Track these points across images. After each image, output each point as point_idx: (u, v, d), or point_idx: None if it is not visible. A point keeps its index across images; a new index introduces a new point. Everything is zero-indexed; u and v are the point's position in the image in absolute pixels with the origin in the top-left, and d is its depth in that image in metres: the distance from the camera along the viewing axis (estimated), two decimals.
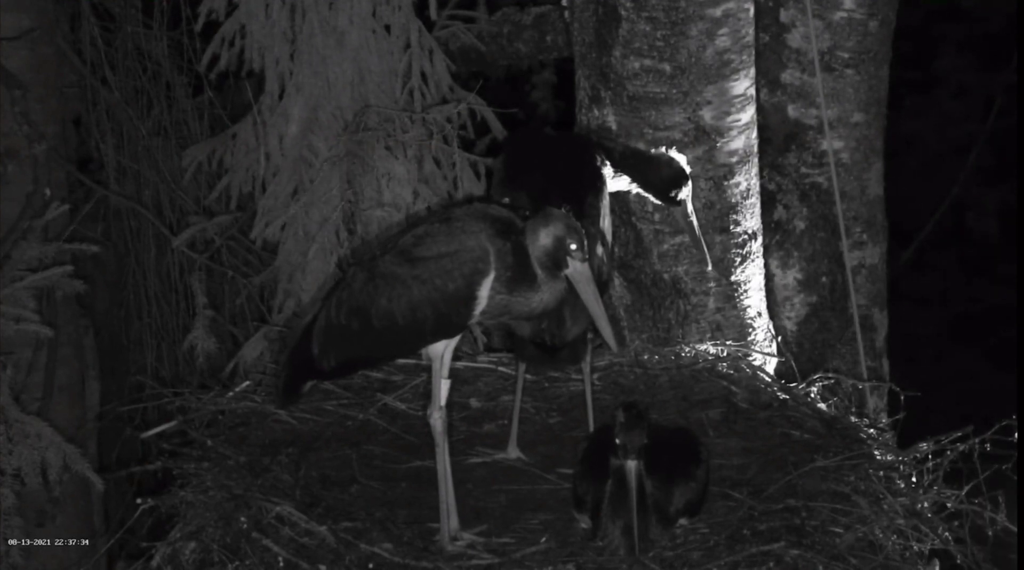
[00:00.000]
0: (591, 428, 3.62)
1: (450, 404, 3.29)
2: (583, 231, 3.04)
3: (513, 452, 3.68)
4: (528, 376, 3.89)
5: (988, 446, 3.39)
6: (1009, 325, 7.53)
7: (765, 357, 4.21)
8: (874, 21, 4.37)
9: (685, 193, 3.86)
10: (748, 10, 4.10)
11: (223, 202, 4.98)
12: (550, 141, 3.99)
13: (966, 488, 3.31)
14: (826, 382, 4.00)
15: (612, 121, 4.13)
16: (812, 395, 3.95)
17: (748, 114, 4.16)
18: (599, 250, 3.56)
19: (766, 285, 4.35)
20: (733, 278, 4.19)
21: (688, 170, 3.85)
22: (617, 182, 3.85)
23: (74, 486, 4.63)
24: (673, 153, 3.85)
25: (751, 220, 4.22)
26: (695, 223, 3.93)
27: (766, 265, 4.37)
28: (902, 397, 3.90)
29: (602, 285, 3.58)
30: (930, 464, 3.41)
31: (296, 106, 4.66)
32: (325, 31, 4.59)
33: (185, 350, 5.16)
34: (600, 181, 3.74)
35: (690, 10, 3.98)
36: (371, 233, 4.45)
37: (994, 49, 8.12)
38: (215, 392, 3.90)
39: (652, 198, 3.92)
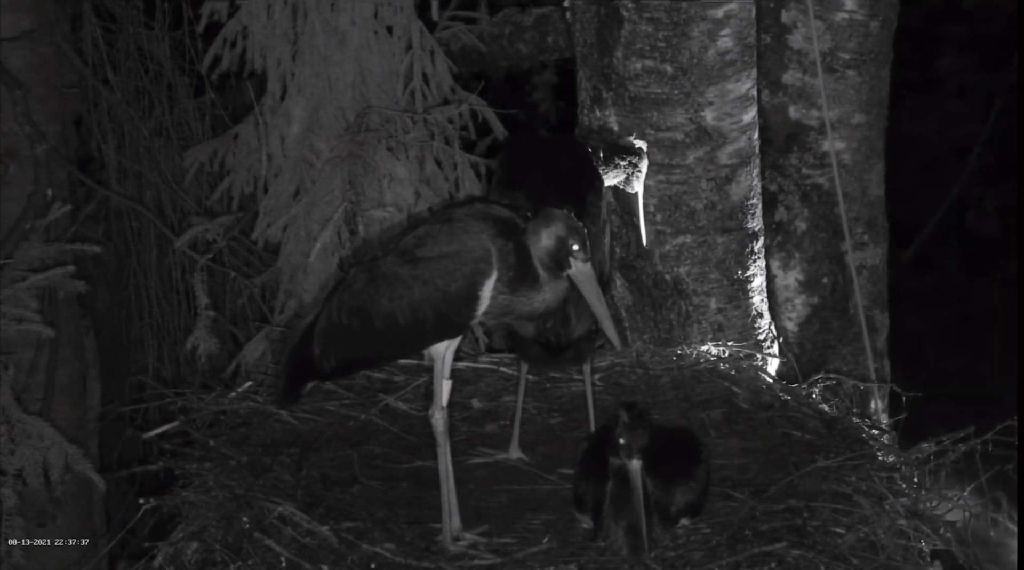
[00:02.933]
0: (592, 428, 3.63)
1: (452, 404, 3.29)
2: (585, 231, 3.04)
3: (515, 452, 3.68)
4: (530, 377, 3.90)
5: (989, 447, 3.40)
6: (1010, 325, 7.52)
7: (766, 358, 4.22)
8: (875, 22, 4.37)
9: (642, 165, 3.91)
10: (750, 11, 4.11)
11: (225, 203, 4.98)
12: (547, 142, 4.00)
13: (968, 489, 3.31)
14: (827, 383, 4.01)
15: (614, 122, 4.13)
16: (813, 396, 3.95)
17: (749, 115, 4.16)
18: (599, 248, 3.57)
19: (767, 286, 4.35)
20: (735, 279, 4.20)
21: (645, 150, 3.94)
22: (607, 178, 3.87)
23: (76, 486, 4.62)
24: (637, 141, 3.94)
25: (753, 221, 4.23)
26: (640, 202, 3.98)
27: (767, 266, 4.38)
28: (903, 398, 3.90)
29: (603, 284, 3.58)
30: (932, 465, 3.42)
31: (298, 107, 4.67)
32: (327, 32, 4.59)
33: (187, 350, 5.15)
34: (600, 181, 3.75)
35: (692, 11, 3.99)
36: (372, 234, 4.46)
37: (995, 49, 8.11)
38: (217, 392, 3.91)
39: (628, 186, 3.96)
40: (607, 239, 3.68)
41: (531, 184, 3.57)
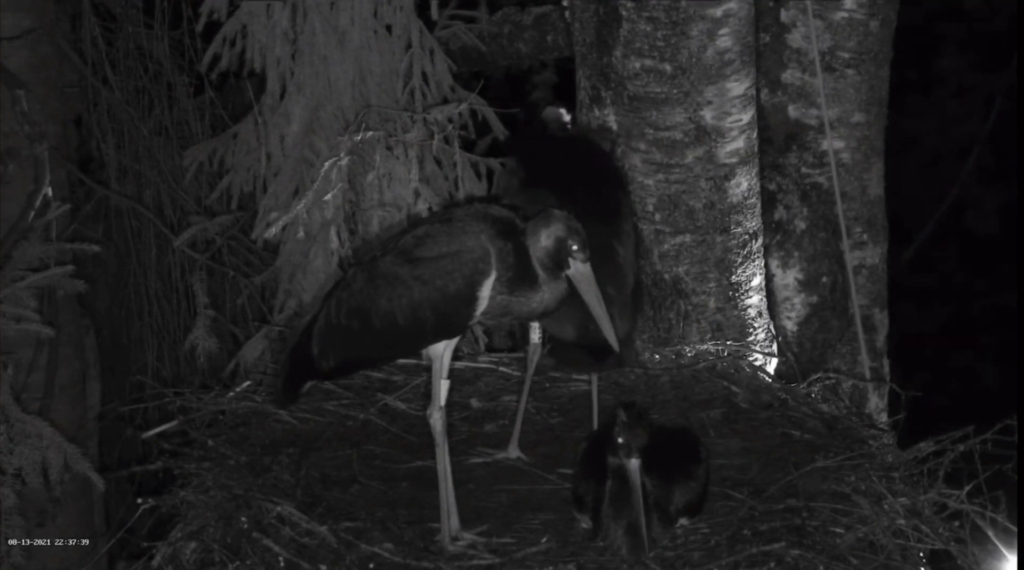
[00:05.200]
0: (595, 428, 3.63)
1: (450, 404, 3.29)
2: (584, 232, 3.04)
3: (514, 452, 3.68)
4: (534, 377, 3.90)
5: (988, 446, 3.40)
6: (1009, 325, 7.52)
7: (766, 357, 4.22)
8: (875, 21, 4.37)
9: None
10: (749, 10, 4.10)
11: (224, 202, 4.98)
12: (565, 141, 4.01)
13: (967, 488, 3.31)
14: (827, 382, 4.01)
15: (613, 121, 4.13)
16: (813, 395, 3.95)
17: (749, 114, 4.16)
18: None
19: (766, 285, 4.35)
20: (734, 278, 4.19)
21: (568, 119, 3.97)
22: None
23: (75, 486, 4.62)
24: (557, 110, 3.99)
25: (752, 220, 4.23)
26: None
27: (766, 265, 4.37)
28: (902, 397, 3.90)
29: (638, 283, 3.58)
30: (931, 464, 3.42)
31: (297, 106, 4.66)
32: (326, 31, 4.59)
33: (186, 350, 5.16)
34: (625, 178, 3.76)
35: (691, 10, 3.99)
36: (372, 233, 4.46)
37: (994, 49, 8.11)
38: (216, 392, 3.91)
39: None
40: (637, 237, 3.68)
41: (558, 183, 3.56)
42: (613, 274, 3.51)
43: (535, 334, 3.69)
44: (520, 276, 3.03)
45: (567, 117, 3.97)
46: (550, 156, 3.83)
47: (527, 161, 3.79)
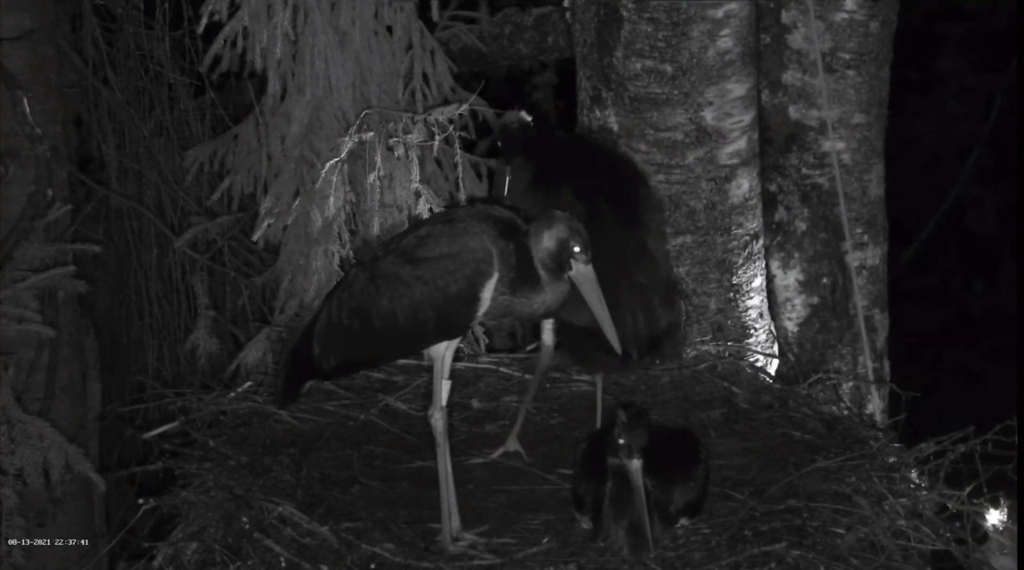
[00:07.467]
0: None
1: (451, 405, 3.29)
2: (586, 233, 3.04)
3: (512, 445, 3.67)
4: (530, 376, 3.89)
5: (989, 446, 3.40)
6: (1009, 325, 7.52)
7: (766, 358, 4.22)
8: (875, 22, 4.37)
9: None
10: (749, 11, 4.11)
11: (225, 203, 4.98)
12: (573, 141, 4.00)
13: (967, 489, 3.31)
14: (827, 383, 4.01)
15: (613, 122, 4.14)
16: (813, 396, 3.95)
17: (749, 115, 4.16)
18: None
19: (767, 286, 4.35)
20: (734, 279, 4.20)
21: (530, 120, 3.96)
22: None
23: (76, 486, 4.63)
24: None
25: (752, 221, 4.23)
26: None
27: (767, 266, 4.38)
28: (903, 397, 3.90)
29: (672, 283, 3.57)
30: (931, 465, 3.42)
31: (298, 107, 4.66)
32: (327, 32, 4.59)
33: (187, 350, 5.17)
34: (644, 174, 3.75)
35: (692, 11, 3.99)
36: (373, 234, 4.46)
37: (995, 49, 8.11)
38: (216, 393, 3.92)
39: None
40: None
41: (575, 180, 3.56)
42: (642, 263, 3.49)
43: (548, 336, 3.67)
44: (522, 277, 3.03)
45: (528, 118, 3.96)
46: (563, 157, 3.82)
47: (539, 162, 3.76)
